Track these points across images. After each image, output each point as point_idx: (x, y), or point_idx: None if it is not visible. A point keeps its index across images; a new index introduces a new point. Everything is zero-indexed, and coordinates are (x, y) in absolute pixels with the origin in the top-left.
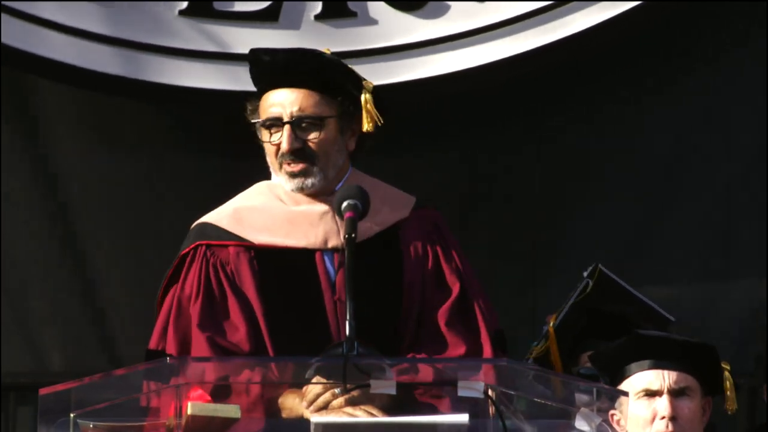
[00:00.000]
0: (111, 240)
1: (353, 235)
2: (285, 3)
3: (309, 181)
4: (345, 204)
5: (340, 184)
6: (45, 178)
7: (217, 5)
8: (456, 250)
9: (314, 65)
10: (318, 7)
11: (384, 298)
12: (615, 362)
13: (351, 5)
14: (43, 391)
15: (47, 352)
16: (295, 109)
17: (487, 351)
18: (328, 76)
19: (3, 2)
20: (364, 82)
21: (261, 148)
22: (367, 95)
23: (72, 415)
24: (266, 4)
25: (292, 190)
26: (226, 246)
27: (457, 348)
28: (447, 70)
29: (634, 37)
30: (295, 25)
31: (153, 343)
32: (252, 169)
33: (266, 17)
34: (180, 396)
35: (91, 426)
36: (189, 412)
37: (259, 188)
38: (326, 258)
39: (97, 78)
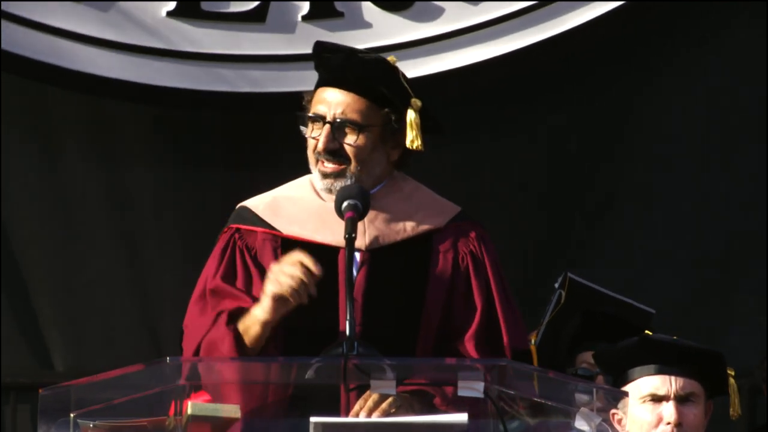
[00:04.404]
0: (111, 240)
1: (353, 236)
2: (272, 4)
3: (338, 184)
4: (345, 204)
5: (374, 190)
6: (47, 179)
7: (205, 6)
8: (491, 265)
9: (365, 73)
10: (305, 8)
11: (404, 306)
12: (620, 363)
13: (338, 6)
14: (43, 391)
15: (47, 351)
16: (338, 111)
17: None
18: (376, 87)
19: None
20: (412, 100)
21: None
22: (413, 114)
23: (72, 414)
24: (254, 5)
25: (321, 190)
26: (255, 232)
27: None
28: (435, 71)
29: (625, 35)
30: (282, 26)
31: (185, 319)
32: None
33: (254, 18)
34: (180, 396)
35: (92, 426)
36: (189, 412)
37: (302, 180)
38: None
39: (88, 80)
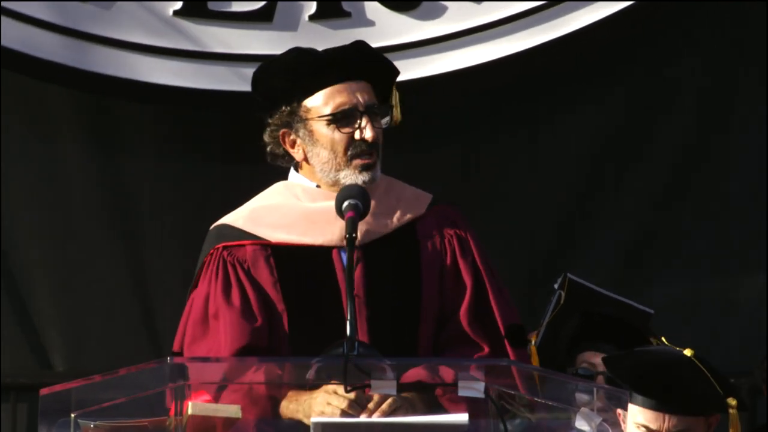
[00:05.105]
0: (112, 240)
1: (354, 235)
2: (279, 3)
3: (374, 174)
4: (345, 204)
5: None
6: (47, 179)
7: (212, 5)
8: (474, 244)
9: (372, 57)
10: (312, 8)
11: (402, 296)
12: (626, 382)
13: (345, 5)
14: (43, 392)
15: (47, 352)
16: (366, 98)
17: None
18: (383, 69)
19: (2, 4)
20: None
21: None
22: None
23: (73, 415)
24: (261, 4)
25: (364, 183)
26: (243, 245)
27: (477, 349)
28: (441, 71)
29: (632, 36)
30: (289, 25)
31: (176, 346)
32: (249, 173)
33: (261, 18)
34: (180, 396)
35: (92, 426)
36: (189, 412)
37: (276, 188)
38: (343, 255)
39: (91, 78)
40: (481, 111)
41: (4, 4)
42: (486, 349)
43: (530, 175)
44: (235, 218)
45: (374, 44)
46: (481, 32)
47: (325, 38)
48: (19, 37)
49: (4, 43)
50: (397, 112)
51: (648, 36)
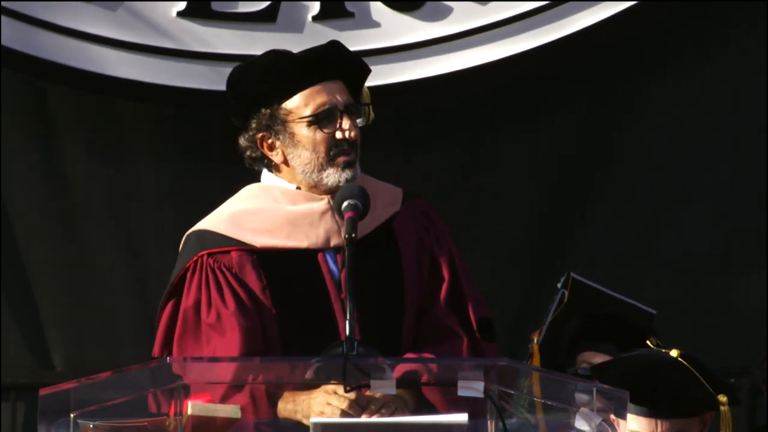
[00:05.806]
0: (112, 240)
1: (353, 236)
2: (283, 4)
3: (356, 172)
4: (345, 204)
5: None
6: (49, 179)
7: (215, 6)
8: (446, 237)
9: (349, 57)
10: (316, 8)
11: (387, 294)
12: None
13: (348, 6)
14: (43, 391)
15: (48, 351)
16: (344, 98)
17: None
18: (358, 68)
19: (2, 4)
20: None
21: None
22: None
23: (72, 415)
24: (264, 5)
25: (347, 180)
26: (228, 251)
27: (458, 340)
28: (445, 71)
29: (634, 36)
30: (293, 26)
31: (156, 353)
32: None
33: (264, 18)
34: (180, 396)
35: (91, 426)
36: (189, 412)
37: (251, 191)
38: (329, 257)
39: (92, 78)
40: (482, 110)
41: (4, 3)
42: (465, 340)
43: (530, 175)
44: (215, 223)
45: (378, 45)
46: (486, 32)
47: (328, 39)
48: (19, 37)
49: (4, 42)
50: (371, 112)
51: (653, 36)
